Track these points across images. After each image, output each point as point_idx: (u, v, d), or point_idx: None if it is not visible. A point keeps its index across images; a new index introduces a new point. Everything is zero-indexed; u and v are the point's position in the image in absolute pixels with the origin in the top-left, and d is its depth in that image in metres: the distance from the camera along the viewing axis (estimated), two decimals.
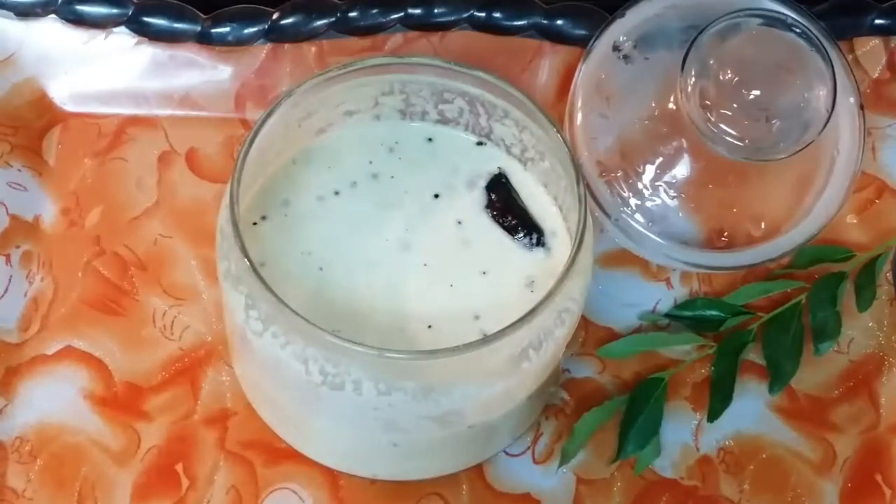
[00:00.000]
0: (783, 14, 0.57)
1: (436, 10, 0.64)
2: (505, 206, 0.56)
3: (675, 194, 0.60)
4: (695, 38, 0.57)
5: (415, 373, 0.50)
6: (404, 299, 0.53)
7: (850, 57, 0.64)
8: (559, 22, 0.65)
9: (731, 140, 0.56)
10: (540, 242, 0.55)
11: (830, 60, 0.57)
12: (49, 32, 0.65)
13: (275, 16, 0.64)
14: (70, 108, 0.65)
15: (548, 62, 0.65)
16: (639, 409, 0.59)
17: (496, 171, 0.57)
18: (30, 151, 0.65)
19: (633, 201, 0.60)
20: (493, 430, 0.55)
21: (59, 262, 0.63)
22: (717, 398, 0.60)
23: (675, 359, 0.61)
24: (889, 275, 0.63)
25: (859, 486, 0.60)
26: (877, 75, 0.66)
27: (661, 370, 0.60)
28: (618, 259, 0.63)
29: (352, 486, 0.59)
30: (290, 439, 0.58)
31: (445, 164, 0.57)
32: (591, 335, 0.62)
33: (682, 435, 0.60)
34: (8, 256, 0.62)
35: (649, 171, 0.60)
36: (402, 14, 0.64)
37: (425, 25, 0.65)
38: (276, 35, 0.65)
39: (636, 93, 0.60)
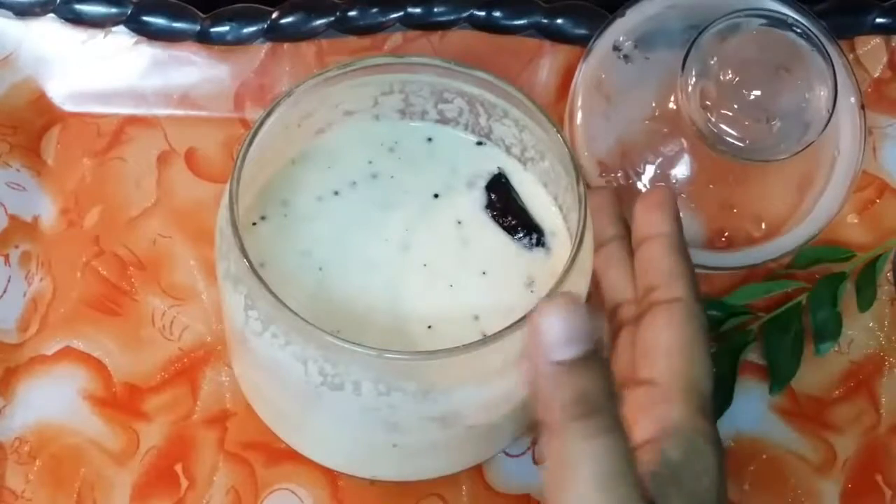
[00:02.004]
0: (784, 14, 0.57)
1: (435, 10, 0.64)
2: (505, 206, 0.56)
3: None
4: (695, 38, 0.56)
5: (415, 373, 0.50)
6: (404, 299, 0.53)
7: (850, 56, 0.64)
8: (559, 21, 0.65)
9: (732, 140, 0.56)
10: (540, 242, 0.55)
11: (831, 60, 0.56)
12: (48, 32, 0.65)
13: (274, 15, 0.64)
14: (69, 107, 0.65)
15: (548, 62, 0.65)
16: None
17: (496, 171, 0.57)
18: (29, 151, 0.64)
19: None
20: (493, 430, 0.55)
21: (58, 262, 0.63)
22: (717, 398, 0.60)
23: None
24: (889, 275, 0.63)
25: (859, 487, 0.60)
26: (878, 75, 0.66)
27: None
28: None
29: (351, 486, 0.59)
30: (289, 440, 0.58)
31: (445, 164, 0.57)
32: None
33: None
34: (7, 257, 0.62)
35: (649, 171, 0.60)
36: (401, 13, 0.64)
37: (425, 25, 0.64)
38: (275, 34, 0.64)
39: (636, 93, 0.60)
